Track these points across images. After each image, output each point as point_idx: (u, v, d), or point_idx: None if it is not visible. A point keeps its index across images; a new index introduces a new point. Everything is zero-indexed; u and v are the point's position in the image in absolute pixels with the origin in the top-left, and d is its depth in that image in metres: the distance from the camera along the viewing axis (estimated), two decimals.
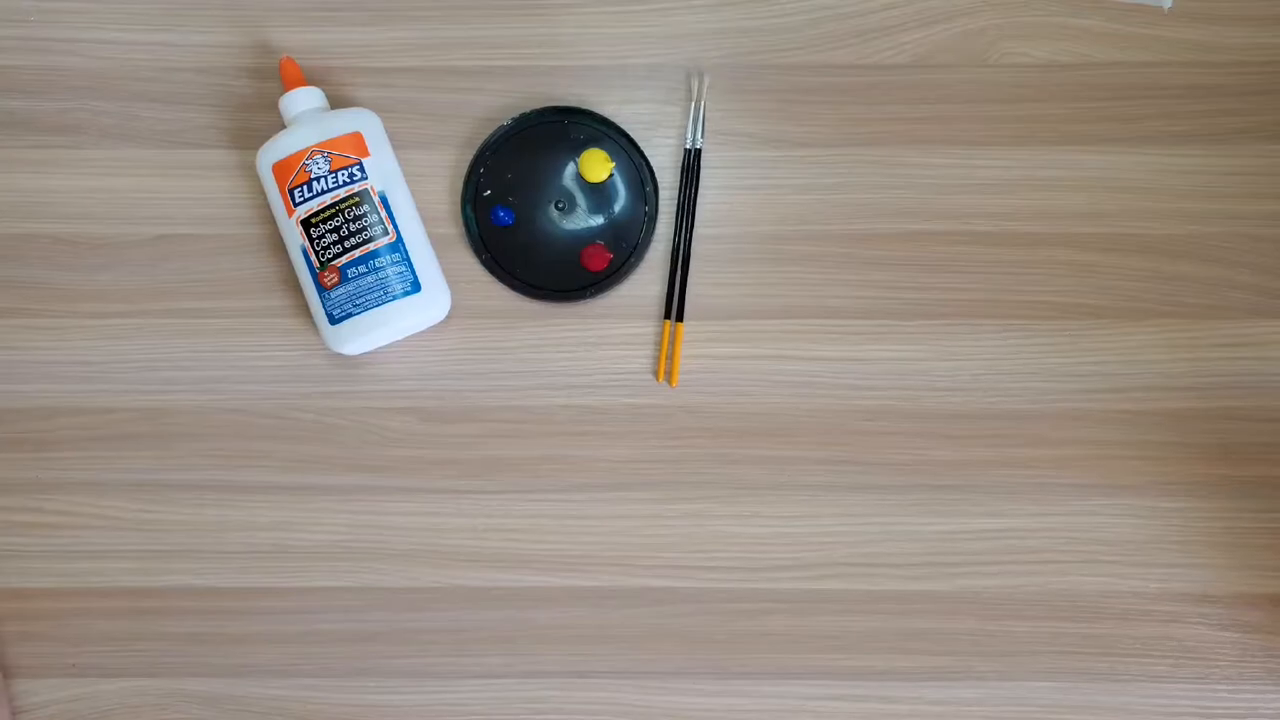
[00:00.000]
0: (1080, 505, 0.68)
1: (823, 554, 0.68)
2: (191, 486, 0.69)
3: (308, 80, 0.69)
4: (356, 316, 0.65)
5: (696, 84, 0.70)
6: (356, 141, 0.66)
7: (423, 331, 0.69)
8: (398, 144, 0.69)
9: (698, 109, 0.70)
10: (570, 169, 0.69)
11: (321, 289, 0.65)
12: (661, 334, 0.69)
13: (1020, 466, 0.68)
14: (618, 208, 0.69)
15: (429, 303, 0.66)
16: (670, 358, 0.69)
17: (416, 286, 0.66)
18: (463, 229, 0.69)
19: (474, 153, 0.69)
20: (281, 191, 0.66)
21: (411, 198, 0.68)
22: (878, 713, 0.67)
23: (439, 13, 0.71)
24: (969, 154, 0.69)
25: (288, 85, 0.67)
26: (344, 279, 0.65)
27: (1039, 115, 0.69)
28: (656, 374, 0.69)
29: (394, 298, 0.65)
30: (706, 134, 0.70)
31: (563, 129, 0.69)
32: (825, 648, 0.67)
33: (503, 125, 0.69)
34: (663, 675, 0.67)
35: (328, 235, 0.65)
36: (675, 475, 0.68)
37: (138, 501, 0.68)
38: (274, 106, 0.69)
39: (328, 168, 0.65)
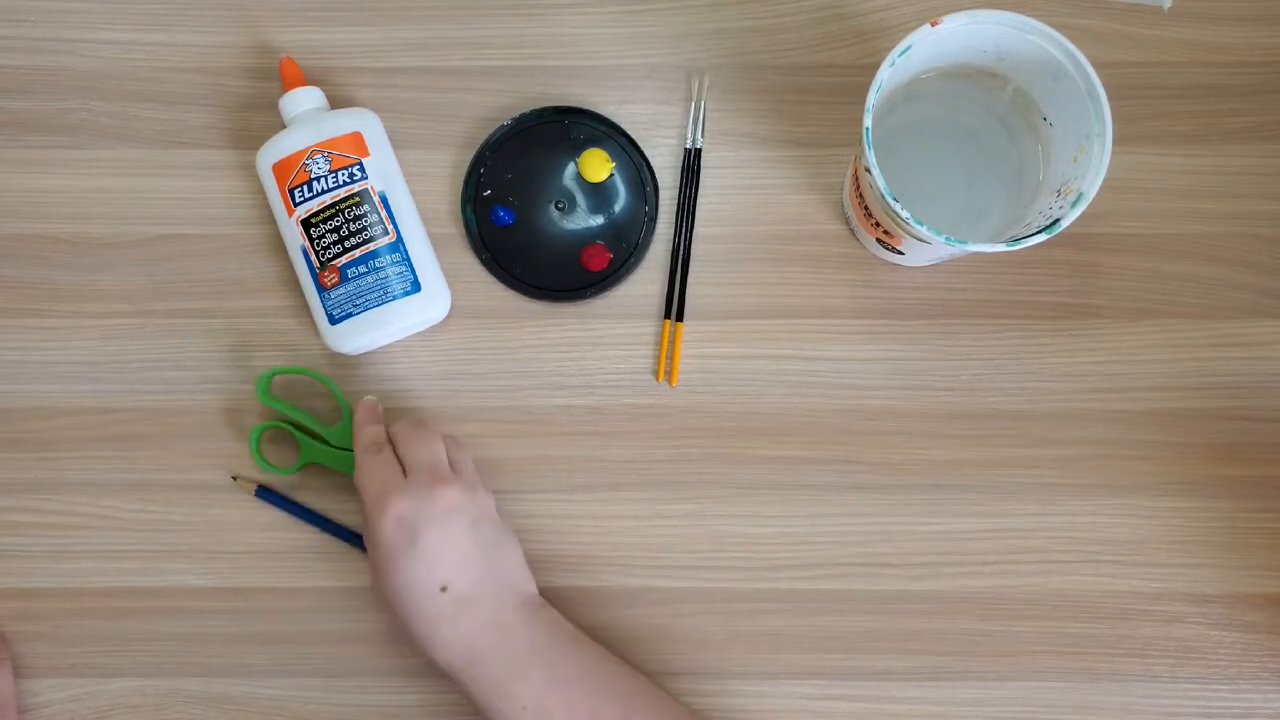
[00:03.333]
0: (1080, 505, 0.68)
1: (823, 554, 0.68)
2: (191, 486, 0.69)
3: (308, 80, 0.69)
4: (356, 316, 0.65)
5: (696, 84, 0.70)
6: (356, 141, 0.66)
7: (423, 331, 0.69)
8: (398, 144, 0.69)
9: (698, 109, 0.70)
10: (570, 169, 0.69)
11: (321, 289, 0.65)
12: (661, 334, 0.69)
13: (1020, 466, 0.68)
14: (618, 208, 0.69)
15: (429, 303, 0.66)
16: (670, 358, 0.69)
17: (416, 286, 0.66)
18: (463, 229, 0.69)
19: (474, 153, 0.69)
20: (281, 191, 0.66)
21: (411, 198, 0.68)
22: (878, 713, 0.67)
23: (439, 13, 0.71)
24: None
25: (288, 85, 0.67)
26: (344, 279, 0.65)
27: None
28: (656, 374, 0.69)
29: (394, 298, 0.65)
30: (706, 134, 0.70)
31: (563, 129, 0.69)
32: (825, 648, 0.67)
33: (503, 125, 0.69)
34: (663, 675, 0.67)
35: (328, 235, 0.65)
36: (675, 475, 0.68)
37: (137, 501, 0.68)
38: (274, 106, 0.69)
39: (328, 168, 0.65)
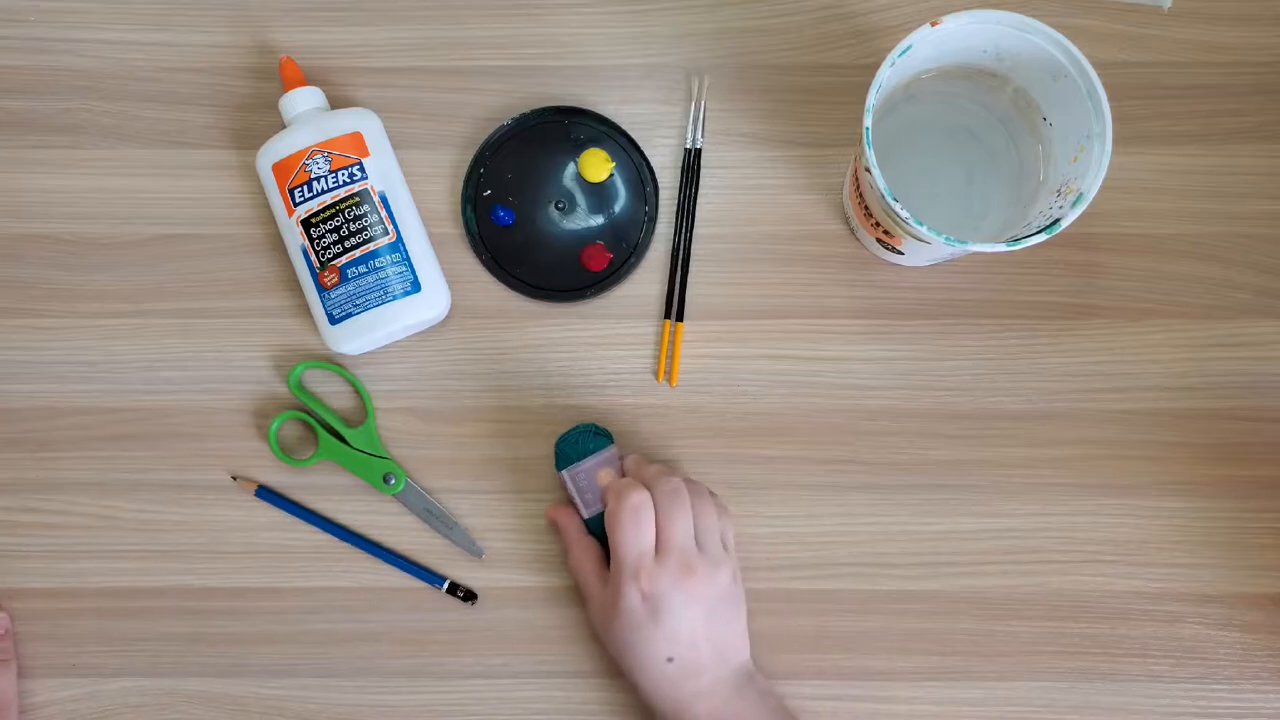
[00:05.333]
0: (1080, 505, 0.68)
1: (823, 554, 0.68)
2: (191, 486, 0.69)
3: (308, 80, 0.69)
4: (356, 316, 0.65)
5: (696, 84, 0.70)
6: (356, 141, 0.66)
7: (423, 331, 0.69)
8: (398, 144, 0.69)
9: (698, 109, 0.70)
10: (570, 169, 0.69)
11: (321, 289, 0.65)
12: (661, 334, 0.69)
13: (1020, 466, 0.68)
14: (618, 208, 0.69)
15: (429, 303, 0.66)
16: (670, 358, 0.69)
17: (416, 286, 0.66)
18: (463, 229, 0.69)
19: (474, 153, 0.69)
20: (281, 191, 0.66)
21: (411, 198, 0.68)
22: (878, 713, 0.67)
23: (439, 13, 0.71)
24: None
25: (288, 85, 0.67)
26: (344, 279, 0.65)
27: None
28: (656, 374, 0.69)
29: (394, 298, 0.65)
30: (706, 134, 0.70)
31: (563, 129, 0.69)
32: (825, 648, 0.67)
33: (503, 125, 0.69)
34: None
35: (328, 235, 0.65)
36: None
37: (137, 501, 0.69)
38: (274, 106, 0.69)
39: (328, 168, 0.65)
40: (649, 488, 0.62)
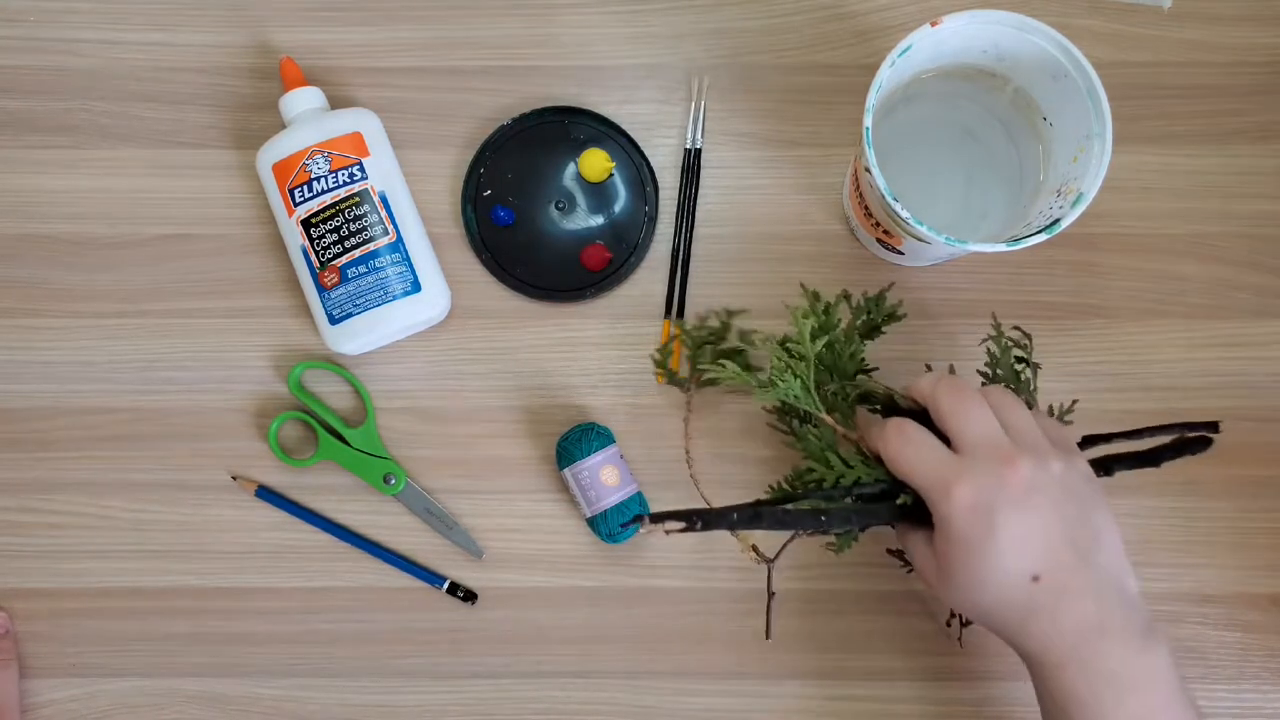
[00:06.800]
0: None
1: (822, 553, 0.68)
2: (191, 486, 0.69)
3: (308, 80, 0.69)
4: (356, 316, 0.65)
5: (696, 84, 0.70)
6: (356, 141, 0.66)
7: (423, 331, 0.69)
8: (398, 144, 0.69)
9: (698, 109, 0.70)
10: (570, 169, 0.69)
11: (321, 289, 0.65)
12: (662, 334, 0.69)
13: None
14: (618, 208, 0.69)
15: (429, 303, 0.66)
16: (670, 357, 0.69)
17: (416, 286, 0.66)
18: (463, 229, 0.69)
19: (474, 153, 0.69)
20: (281, 191, 0.66)
21: (411, 198, 0.68)
22: (878, 713, 0.67)
23: (439, 13, 0.71)
24: None
25: (288, 85, 0.67)
26: (344, 279, 0.65)
27: None
28: (657, 374, 0.69)
29: (394, 298, 0.65)
30: (706, 134, 0.70)
31: (563, 129, 0.69)
32: (825, 648, 0.67)
33: (503, 125, 0.69)
34: (663, 675, 0.67)
35: (328, 235, 0.65)
36: (676, 474, 0.68)
37: (138, 501, 0.69)
38: (274, 106, 0.69)
39: (328, 168, 0.65)
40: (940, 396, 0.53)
